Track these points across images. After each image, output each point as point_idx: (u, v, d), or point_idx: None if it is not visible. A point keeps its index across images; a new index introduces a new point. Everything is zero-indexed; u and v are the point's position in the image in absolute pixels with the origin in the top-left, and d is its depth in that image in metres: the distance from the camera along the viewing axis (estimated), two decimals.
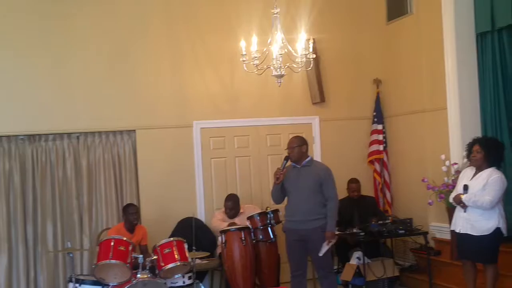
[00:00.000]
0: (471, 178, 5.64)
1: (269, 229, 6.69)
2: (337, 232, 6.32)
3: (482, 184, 5.48)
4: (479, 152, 5.57)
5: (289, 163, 6.06)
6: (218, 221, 7.09)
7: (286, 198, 6.20)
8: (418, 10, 7.56)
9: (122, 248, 5.84)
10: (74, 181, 7.25)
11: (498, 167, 5.66)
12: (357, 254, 6.91)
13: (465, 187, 5.58)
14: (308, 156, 6.15)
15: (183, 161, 7.57)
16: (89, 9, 7.29)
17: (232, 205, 7.11)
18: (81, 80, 7.24)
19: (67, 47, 7.20)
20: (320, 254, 5.90)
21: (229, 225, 6.91)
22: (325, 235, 5.86)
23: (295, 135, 6.41)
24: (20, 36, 7.05)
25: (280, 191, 6.11)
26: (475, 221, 5.52)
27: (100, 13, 7.33)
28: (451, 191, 6.30)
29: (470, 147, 5.71)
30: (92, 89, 7.28)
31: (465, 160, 6.13)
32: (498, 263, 5.69)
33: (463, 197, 5.54)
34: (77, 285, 5.87)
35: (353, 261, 6.94)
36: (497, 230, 5.48)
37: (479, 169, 5.62)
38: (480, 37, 7.01)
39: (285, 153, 7.67)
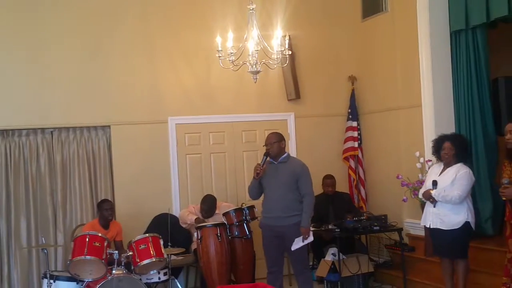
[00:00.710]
0: (440, 174, 5.73)
1: (245, 225, 6.70)
2: (312, 229, 6.36)
3: (451, 180, 5.58)
4: (451, 149, 5.66)
5: (268, 158, 6.07)
6: (186, 212, 7.09)
7: (262, 194, 6.21)
8: (393, 8, 7.61)
9: (97, 244, 5.84)
10: (48, 177, 7.20)
11: (465, 163, 5.76)
12: (332, 250, 6.95)
13: (434, 183, 5.67)
14: (285, 152, 6.17)
15: (158, 157, 7.54)
16: (63, 3, 7.23)
17: (208, 208, 7.08)
18: (55, 75, 7.17)
19: (41, 42, 7.12)
20: (292, 249, 5.91)
21: (197, 220, 6.90)
22: (300, 231, 5.89)
23: (272, 131, 6.42)
24: None
25: (258, 187, 6.11)
26: (445, 215, 5.61)
27: (74, 7, 7.27)
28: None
29: (439, 144, 5.79)
30: (66, 84, 7.21)
31: (432, 157, 6.22)
32: (470, 259, 5.78)
33: (433, 192, 5.63)
34: (51, 281, 5.84)
35: (328, 257, 6.98)
36: (467, 224, 5.58)
37: (447, 165, 5.73)
38: (455, 35, 7.07)
39: (261, 149, 7.74)
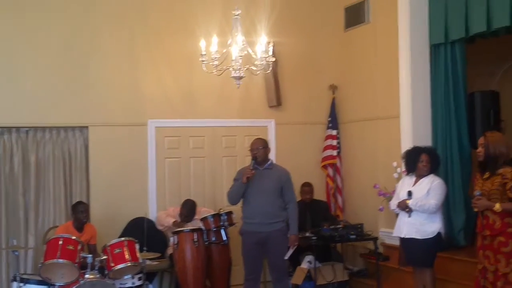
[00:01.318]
0: (413, 185, 5.83)
1: (222, 231, 6.65)
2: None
3: (426, 189, 5.71)
4: (429, 162, 5.78)
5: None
6: (164, 214, 7.04)
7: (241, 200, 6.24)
8: (375, 19, 7.69)
9: (70, 247, 5.73)
10: (22, 177, 7.07)
11: (436, 174, 5.91)
12: (308, 258, 6.96)
13: (409, 193, 5.76)
14: (269, 159, 6.22)
15: (137, 160, 7.46)
16: (42, 2, 7.12)
17: (187, 212, 7.05)
18: (31, 73, 7.06)
19: (17, 39, 7.00)
20: (286, 258, 6.03)
21: (175, 223, 6.86)
22: (289, 239, 6.00)
23: (256, 137, 6.47)
24: None
25: (242, 192, 6.14)
26: (420, 224, 5.70)
27: (52, 4, 7.16)
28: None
29: (415, 156, 5.87)
30: (43, 83, 7.10)
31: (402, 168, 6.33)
32: (440, 268, 5.94)
33: (409, 202, 5.72)
34: (21, 284, 5.73)
35: (304, 264, 6.99)
36: (439, 234, 5.71)
37: (420, 176, 5.83)
38: (434, 48, 7.16)
39: (240, 155, 7.75)
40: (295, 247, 6.06)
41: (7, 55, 6.97)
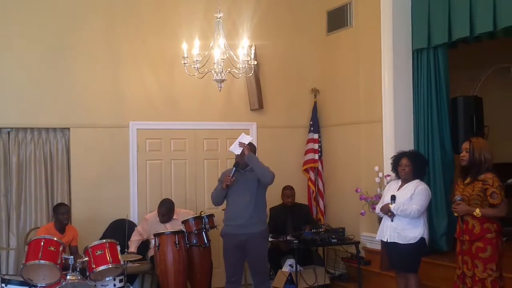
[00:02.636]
0: (398, 190, 5.81)
1: (204, 233, 6.65)
2: (270, 239, 6.39)
3: (409, 194, 5.66)
4: (408, 165, 5.76)
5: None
6: (135, 236, 7.01)
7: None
8: (358, 23, 7.71)
9: (52, 248, 5.73)
10: (3, 178, 7.04)
11: (422, 179, 5.87)
12: (290, 261, 6.97)
13: (393, 197, 5.73)
14: None
15: (118, 161, 7.44)
16: (25, 2, 7.09)
17: (165, 211, 7.02)
18: (14, 73, 7.03)
19: (1, 40, 6.97)
20: (230, 149, 6.07)
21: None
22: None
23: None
24: None
25: (223, 195, 6.14)
26: (402, 229, 5.67)
27: (37, 7, 7.13)
28: None
29: (397, 160, 5.87)
30: (25, 84, 7.07)
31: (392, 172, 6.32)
32: (422, 273, 5.87)
33: (392, 206, 5.70)
34: (3, 285, 5.72)
35: (286, 268, 6.99)
36: (422, 240, 5.66)
37: (405, 181, 5.80)
38: (417, 53, 7.19)
39: (222, 158, 7.73)
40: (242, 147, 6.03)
41: None
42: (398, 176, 5.90)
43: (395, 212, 5.67)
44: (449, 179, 7.04)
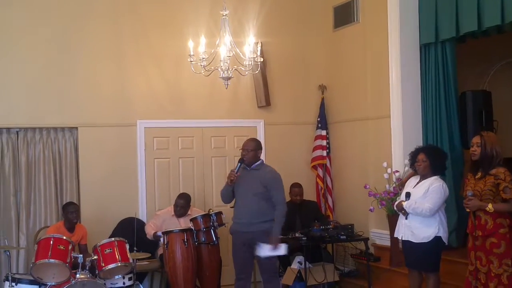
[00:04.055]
0: (415, 186, 5.72)
1: (212, 231, 6.65)
2: (279, 237, 6.36)
3: (423, 192, 5.54)
4: (424, 161, 5.63)
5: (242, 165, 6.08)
6: (150, 227, 7.01)
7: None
8: (365, 19, 7.66)
9: (61, 247, 5.76)
10: (12, 177, 7.09)
11: (442, 176, 5.77)
12: (299, 258, 6.95)
13: (407, 195, 5.64)
14: (259, 160, 6.20)
15: (126, 160, 7.47)
16: (30, 2, 7.13)
17: (184, 203, 7.06)
18: (21, 74, 7.07)
19: (7, 39, 7.02)
20: (260, 254, 5.90)
21: (155, 235, 6.82)
22: (269, 240, 5.90)
23: (251, 137, 6.51)
24: None
25: (230, 192, 6.14)
26: (415, 228, 5.57)
27: (42, 7, 7.16)
28: (393, 199, 6.41)
29: (414, 156, 5.77)
30: (33, 84, 7.12)
31: (407, 168, 6.26)
32: (440, 271, 5.77)
33: (405, 204, 5.62)
34: (13, 284, 5.74)
35: (294, 265, 6.98)
36: (437, 238, 5.53)
37: (423, 177, 5.68)
38: (424, 48, 7.15)
39: (229, 155, 7.72)
40: (280, 251, 5.94)
41: None
42: (416, 173, 5.80)
43: (407, 210, 5.59)
44: (458, 175, 6.97)
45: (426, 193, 5.53)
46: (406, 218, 5.65)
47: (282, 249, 5.96)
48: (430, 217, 5.51)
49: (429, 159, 5.62)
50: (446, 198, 5.63)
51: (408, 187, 5.78)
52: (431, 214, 5.49)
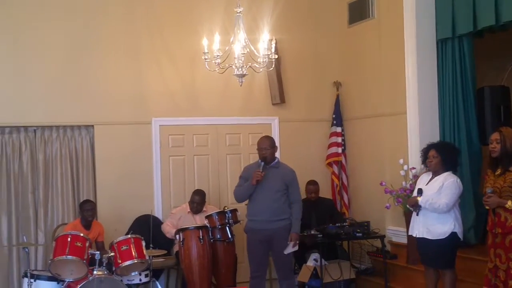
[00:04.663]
0: (427, 183, 5.68)
1: (227, 228, 6.66)
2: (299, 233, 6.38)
3: (438, 188, 5.50)
4: (436, 157, 5.60)
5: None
6: (167, 226, 7.03)
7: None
8: (380, 14, 7.61)
9: (79, 244, 5.83)
10: (30, 175, 7.15)
11: (454, 171, 5.72)
12: (314, 255, 6.93)
13: (419, 191, 5.61)
14: (275, 158, 6.23)
15: (141, 158, 7.50)
16: (47, 1, 7.18)
17: (200, 199, 7.10)
18: (38, 73, 7.13)
19: (24, 39, 7.07)
20: (285, 252, 6.00)
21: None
22: (290, 236, 5.98)
23: (263, 135, 6.53)
24: None
25: (250, 191, 6.14)
26: (431, 225, 5.54)
27: (59, 5, 7.21)
28: (409, 196, 6.35)
29: (425, 152, 5.74)
30: (50, 82, 7.17)
31: (422, 165, 6.21)
32: (458, 269, 5.75)
33: (420, 199, 5.57)
34: (32, 280, 5.82)
35: (310, 262, 6.96)
36: (453, 234, 5.50)
37: (435, 173, 5.65)
38: (441, 43, 7.08)
39: (244, 153, 7.71)
40: (296, 246, 6.03)
41: (15, 56, 7.05)
42: (429, 170, 5.77)
43: (422, 206, 5.54)
44: (476, 171, 6.90)
45: (440, 189, 5.49)
46: (417, 214, 5.64)
47: (296, 245, 6.08)
48: (446, 212, 5.47)
49: (441, 155, 5.59)
50: (460, 194, 5.60)
51: (420, 184, 5.75)
52: (448, 209, 5.45)
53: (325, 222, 6.93)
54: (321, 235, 6.79)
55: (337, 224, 6.84)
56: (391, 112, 7.42)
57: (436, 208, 5.45)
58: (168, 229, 6.95)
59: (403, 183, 6.81)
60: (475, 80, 7.05)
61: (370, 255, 7.47)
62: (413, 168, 6.76)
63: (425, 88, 7.09)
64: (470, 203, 6.81)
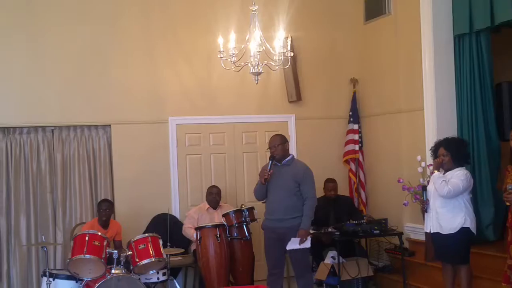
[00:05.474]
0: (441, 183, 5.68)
1: (244, 226, 6.66)
2: (312, 231, 6.35)
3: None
4: (446, 155, 5.63)
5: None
6: (187, 228, 7.04)
7: None
8: (396, 10, 7.57)
9: (96, 243, 5.85)
10: (48, 175, 7.20)
11: (466, 164, 5.75)
12: (332, 253, 6.91)
13: (424, 188, 5.78)
14: (289, 155, 6.20)
15: (158, 157, 7.53)
16: (63, 1, 7.24)
17: (217, 190, 7.18)
18: (55, 73, 7.18)
19: (41, 40, 7.13)
20: (287, 248, 5.94)
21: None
22: (298, 232, 5.93)
23: (274, 133, 6.49)
24: None
25: (264, 190, 6.14)
26: (442, 219, 5.60)
27: (74, 5, 7.26)
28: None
29: (435, 151, 5.77)
30: (67, 82, 7.21)
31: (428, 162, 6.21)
32: (472, 265, 5.73)
33: (436, 173, 5.63)
34: (50, 279, 5.84)
35: (328, 260, 6.94)
36: (465, 229, 5.52)
37: (447, 170, 5.69)
38: (458, 39, 7.03)
39: (261, 151, 7.71)
40: (306, 244, 5.96)
41: (33, 58, 7.10)
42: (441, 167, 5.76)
43: (436, 181, 5.57)
44: (495, 167, 6.86)
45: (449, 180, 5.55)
46: (426, 211, 5.71)
47: (308, 242, 6.00)
48: (447, 198, 5.50)
49: (450, 152, 5.63)
50: (469, 187, 5.63)
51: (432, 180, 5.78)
52: (449, 196, 5.50)
53: (344, 219, 6.90)
54: (339, 233, 6.77)
55: (354, 222, 6.82)
56: (408, 109, 7.38)
57: (441, 189, 5.50)
58: (191, 232, 6.93)
59: (421, 180, 6.76)
60: (493, 76, 6.98)
61: (388, 252, 7.44)
62: (431, 165, 6.70)
63: (442, 84, 7.04)
64: (489, 199, 6.78)
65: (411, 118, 7.35)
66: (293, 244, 5.93)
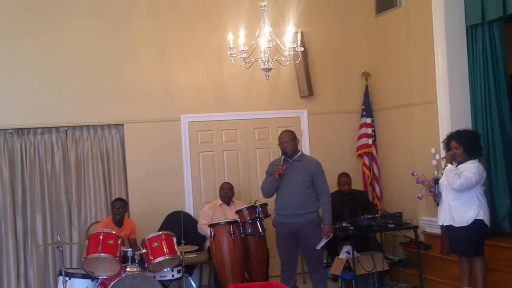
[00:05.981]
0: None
1: (258, 223, 6.65)
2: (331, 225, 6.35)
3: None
4: (458, 148, 5.61)
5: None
6: (202, 225, 7.05)
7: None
8: (408, 2, 7.51)
9: (111, 241, 5.88)
10: (63, 175, 7.25)
11: (479, 156, 5.71)
12: (347, 248, 6.88)
13: (436, 182, 5.76)
14: (299, 151, 6.19)
15: (171, 155, 7.56)
16: (75, 2, 7.28)
17: (229, 186, 7.21)
18: (68, 73, 7.24)
19: (54, 40, 7.19)
20: (318, 248, 5.97)
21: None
22: (322, 229, 5.96)
23: (284, 129, 6.46)
24: (7, 30, 7.05)
25: (276, 186, 6.11)
26: (454, 212, 5.59)
27: (86, 5, 7.30)
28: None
29: (447, 144, 5.75)
30: (79, 83, 7.27)
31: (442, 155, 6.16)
32: (487, 257, 5.69)
33: (449, 166, 5.61)
34: (66, 278, 5.89)
35: (343, 255, 6.92)
36: (478, 221, 5.50)
37: (460, 163, 5.66)
38: (470, 29, 6.96)
39: (274, 147, 7.71)
40: (329, 238, 6.00)
41: (46, 58, 7.15)
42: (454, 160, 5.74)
43: (448, 174, 5.56)
44: (510, 159, 6.77)
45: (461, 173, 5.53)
46: (438, 204, 5.70)
47: (329, 238, 6.05)
48: (459, 191, 5.48)
49: (462, 145, 5.61)
50: (481, 180, 5.60)
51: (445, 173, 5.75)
52: (461, 189, 5.49)
53: (358, 214, 6.87)
54: (353, 227, 6.73)
55: (369, 216, 6.78)
56: (421, 101, 7.33)
57: (453, 182, 5.49)
58: (205, 228, 6.92)
59: (435, 173, 6.72)
60: (506, 66, 6.91)
61: (403, 246, 7.40)
62: (445, 157, 6.66)
63: (455, 76, 6.98)
64: (505, 191, 6.72)
65: (424, 111, 7.29)
66: (321, 242, 5.99)
